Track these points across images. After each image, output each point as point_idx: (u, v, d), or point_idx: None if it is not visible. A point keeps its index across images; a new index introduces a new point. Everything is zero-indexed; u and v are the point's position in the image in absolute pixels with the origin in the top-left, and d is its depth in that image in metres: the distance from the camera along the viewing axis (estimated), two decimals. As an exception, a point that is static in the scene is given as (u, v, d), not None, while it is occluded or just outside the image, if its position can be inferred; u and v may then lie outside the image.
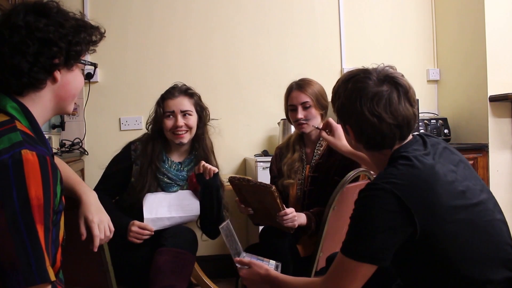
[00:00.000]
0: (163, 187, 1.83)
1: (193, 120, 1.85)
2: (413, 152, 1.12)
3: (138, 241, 1.69)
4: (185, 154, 1.91)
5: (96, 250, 1.26)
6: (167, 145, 1.88)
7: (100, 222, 1.25)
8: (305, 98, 1.89)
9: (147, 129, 1.93)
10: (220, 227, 1.48)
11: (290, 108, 1.94)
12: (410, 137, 1.20)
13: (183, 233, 1.76)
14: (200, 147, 1.90)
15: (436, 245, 1.05)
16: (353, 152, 1.59)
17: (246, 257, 1.54)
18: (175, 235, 1.72)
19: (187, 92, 1.86)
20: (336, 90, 1.22)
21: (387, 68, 1.19)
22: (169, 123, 1.81)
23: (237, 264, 1.43)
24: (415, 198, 1.04)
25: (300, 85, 1.92)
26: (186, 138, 1.83)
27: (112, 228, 1.29)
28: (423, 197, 1.05)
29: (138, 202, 1.78)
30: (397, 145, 1.16)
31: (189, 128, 1.83)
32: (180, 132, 1.81)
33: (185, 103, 1.83)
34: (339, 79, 1.24)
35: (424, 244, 1.06)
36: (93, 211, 1.25)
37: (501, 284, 1.06)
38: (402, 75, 1.18)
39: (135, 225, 1.68)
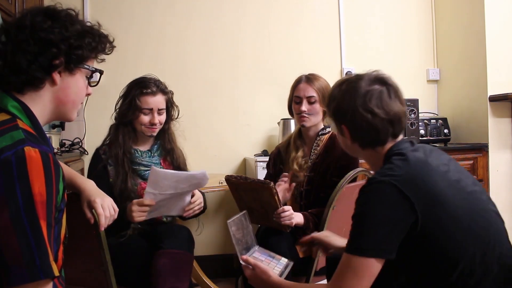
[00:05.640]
0: (142, 176, 1.84)
1: (164, 116, 1.90)
2: (405, 149, 1.19)
3: (143, 218, 1.64)
4: (151, 142, 1.94)
5: (103, 229, 1.29)
6: (133, 136, 1.90)
7: (103, 202, 1.29)
8: (312, 92, 1.90)
9: (115, 116, 1.92)
10: (229, 221, 1.45)
11: (295, 99, 1.95)
12: (400, 137, 1.25)
13: (179, 232, 1.76)
14: (166, 138, 1.94)
15: (439, 234, 1.07)
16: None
17: (256, 252, 1.53)
18: (170, 236, 1.72)
19: (164, 90, 1.89)
20: (330, 94, 1.31)
21: (376, 72, 1.27)
22: (145, 118, 1.85)
23: (242, 263, 1.42)
24: (413, 187, 1.08)
25: (309, 79, 1.94)
26: (156, 132, 1.89)
27: (116, 208, 1.33)
28: (421, 185, 1.09)
29: (124, 197, 1.76)
30: (390, 142, 1.23)
31: (161, 124, 1.89)
32: (154, 128, 1.86)
33: (162, 102, 1.87)
34: (333, 85, 1.32)
35: (426, 235, 1.07)
36: (94, 194, 1.29)
37: (499, 274, 1.09)
38: (390, 77, 1.26)
39: (134, 204, 1.63)
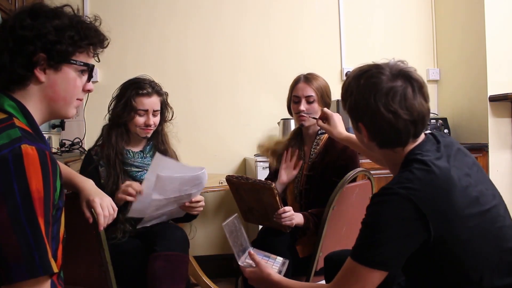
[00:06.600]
0: (133, 177, 1.83)
1: (159, 117, 1.89)
2: (428, 155, 1.09)
3: (128, 198, 1.62)
4: (144, 143, 1.93)
5: (102, 229, 1.29)
6: (126, 137, 1.88)
7: (102, 201, 1.29)
8: (310, 92, 1.90)
9: (109, 117, 1.90)
10: (224, 224, 1.46)
11: (294, 99, 1.95)
12: (423, 136, 1.16)
13: (173, 233, 1.75)
14: (159, 140, 1.93)
15: (448, 251, 1.04)
16: (349, 138, 1.67)
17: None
18: (165, 237, 1.71)
19: (159, 91, 1.88)
20: (347, 87, 1.17)
21: (399, 63, 1.14)
22: (140, 120, 1.83)
23: (240, 264, 1.43)
24: (431, 205, 1.02)
25: (308, 78, 1.93)
26: (151, 133, 1.89)
27: (115, 207, 1.33)
28: (439, 204, 1.02)
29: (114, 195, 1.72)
30: (410, 143, 1.14)
31: (156, 125, 1.89)
32: (149, 129, 1.86)
33: (157, 103, 1.86)
34: (349, 75, 1.19)
35: (436, 251, 1.04)
36: (93, 194, 1.30)
37: None
38: (415, 69, 1.14)
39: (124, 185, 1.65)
